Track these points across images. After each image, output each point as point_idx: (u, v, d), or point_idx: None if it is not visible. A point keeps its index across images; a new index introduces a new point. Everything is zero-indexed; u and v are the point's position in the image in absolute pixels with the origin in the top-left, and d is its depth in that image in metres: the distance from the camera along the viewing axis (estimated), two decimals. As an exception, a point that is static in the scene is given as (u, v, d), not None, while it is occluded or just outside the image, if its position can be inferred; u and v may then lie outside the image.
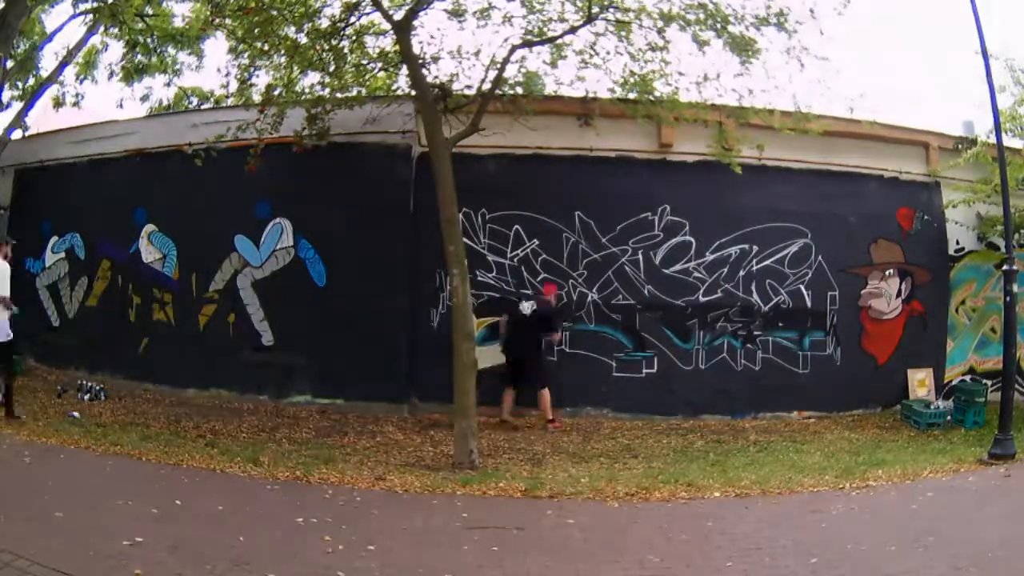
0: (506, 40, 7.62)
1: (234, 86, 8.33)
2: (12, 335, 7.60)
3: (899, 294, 9.82)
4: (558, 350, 9.07)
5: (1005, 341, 7.56)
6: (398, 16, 7.35)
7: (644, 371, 9.21)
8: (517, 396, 8.77)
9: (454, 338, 7.12)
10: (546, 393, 8.60)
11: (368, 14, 7.85)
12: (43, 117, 15.28)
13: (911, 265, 9.84)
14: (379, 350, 9.08)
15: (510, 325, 8.76)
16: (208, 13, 8.23)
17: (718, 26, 6.90)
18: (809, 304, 9.51)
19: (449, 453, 7.15)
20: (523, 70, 7.91)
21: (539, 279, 9.14)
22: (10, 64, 11.06)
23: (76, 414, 8.03)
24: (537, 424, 8.68)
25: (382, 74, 8.83)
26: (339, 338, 9.12)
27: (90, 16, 11.47)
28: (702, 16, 6.89)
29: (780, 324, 9.44)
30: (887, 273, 9.77)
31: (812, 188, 9.55)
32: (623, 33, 7.29)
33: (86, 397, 9.00)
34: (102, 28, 11.61)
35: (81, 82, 12.89)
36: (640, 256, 9.21)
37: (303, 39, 7.77)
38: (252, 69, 8.04)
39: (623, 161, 9.25)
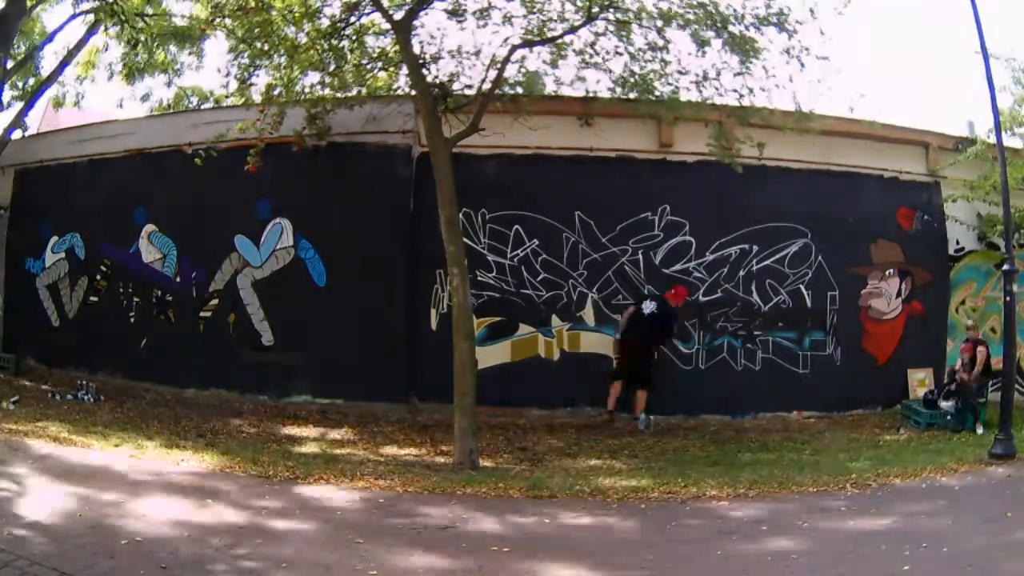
0: (506, 40, 7.63)
1: (234, 86, 8.33)
2: None
3: (899, 294, 9.81)
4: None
5: (1005, 341, 7.56)
6: (398, 16, 7.36)
7: (644, 371, 9.20)
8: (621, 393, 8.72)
9: (454, 338, 7.11)
10: (644, 395, 8.64)
11: (368, 14, 7.86)
12: (44, 117, 15.28)
13: (911, 265, 9.83)
14: (379, 350, 9.08)
15: (631, 321, 8.71)
16: (208, 12, 8.23)
17: (718, 26, 6.90)
18: (809, 304, 9.50)
19: (449, 453, 7.15)
20: (523, 70, 7.92)
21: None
22: (10, 64, 11.05)
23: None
24: (630, 421, 8.70)
25: (382, 74, 8.84)
26: (339, 338, 9.12)
27: (90, 16, 11.45)
28: (701, 15, 6.89)
29: (780, 324, 9.44)
30: (887, 273, 9.76)
31: (812, 188, 9.55)
32: (623, 33, 7.29)
33: (86, 397, 9.00)
34: (102, 28, 11.59)
35: (81, 82, 12.88)
36: (640, 256, 9.21)
37: (303, 39, 7.77)
38: (252, 69, 8.03)
39: (623, 161, 9.25)
